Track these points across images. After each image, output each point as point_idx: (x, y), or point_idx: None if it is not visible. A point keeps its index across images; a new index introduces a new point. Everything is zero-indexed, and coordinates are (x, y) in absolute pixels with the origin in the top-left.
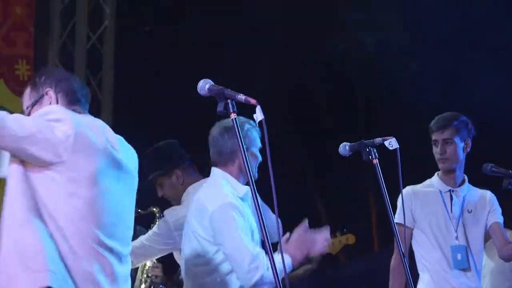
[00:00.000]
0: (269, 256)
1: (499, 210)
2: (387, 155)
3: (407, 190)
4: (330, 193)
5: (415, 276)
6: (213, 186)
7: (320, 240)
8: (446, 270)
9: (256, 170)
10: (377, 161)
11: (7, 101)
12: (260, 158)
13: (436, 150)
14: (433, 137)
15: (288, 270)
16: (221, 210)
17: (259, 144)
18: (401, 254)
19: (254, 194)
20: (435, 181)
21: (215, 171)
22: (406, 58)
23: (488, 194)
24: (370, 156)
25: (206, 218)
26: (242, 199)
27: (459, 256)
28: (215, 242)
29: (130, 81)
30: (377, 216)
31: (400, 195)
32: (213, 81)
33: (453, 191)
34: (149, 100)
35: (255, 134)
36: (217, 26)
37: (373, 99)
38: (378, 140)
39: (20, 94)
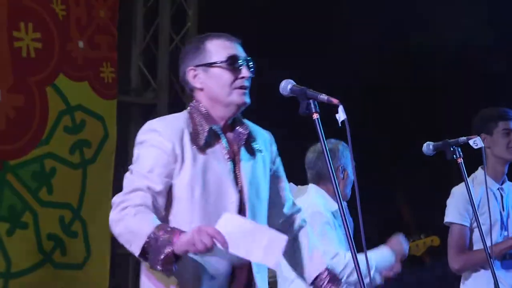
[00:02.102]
0: (354, 261)
1: None
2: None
3: (459, 189)
4: (415, 194)
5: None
6: (308, 197)
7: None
8: (497, 268)
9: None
10: (462, 160)
11: (92, 103)
12: (351, 178)
13: (508, 139)
14: (504, 126)
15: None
16: (311, 217)
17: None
18: (488, 254)
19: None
20: (485, 178)
21: (311, 186)
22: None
23: None
24: (454, 155)
25: None
26: (333, 215)
27: (507, 256)
28: None
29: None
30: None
31: (457, 193)
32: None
33: (501, 188)
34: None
35: (348, 154)
36: (294, 28)
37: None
38: (462, 139)
39: (104, 96)
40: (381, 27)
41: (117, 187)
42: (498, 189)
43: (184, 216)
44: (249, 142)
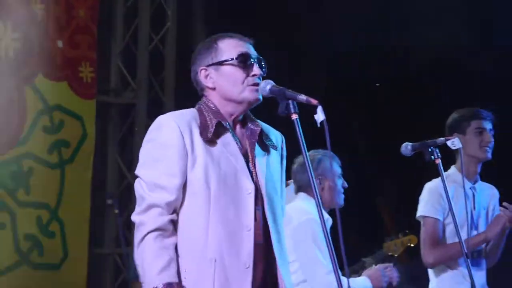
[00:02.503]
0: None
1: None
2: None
3: (432, 184)
4: (393, 193)
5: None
6: (300, 204)
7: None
8: (462, 265)
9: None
10: (440, 161)
11: (70, 103)
12: (339, 186)
13: (480, 138)
14: (476, 125)
15: None
16: (306, 223)
17: (337, 172)
18: (465, 254)
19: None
20: (456, 176)
21: (300, 194)
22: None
23: (495, 191)
24: (432, 156)
25: (289, 227)
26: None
27: (475, 255)
28: (294, 251)
29: (192, 82)
30: None
31: (430, 188)
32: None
33: (473, 188)
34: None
35: (328, 163)
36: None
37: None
38: (440, 139)
39: (83, 96)
40: (362, 26)
41: (95, 187)
42: (470, 188)
43: (199, 210)
44: (262, 139)
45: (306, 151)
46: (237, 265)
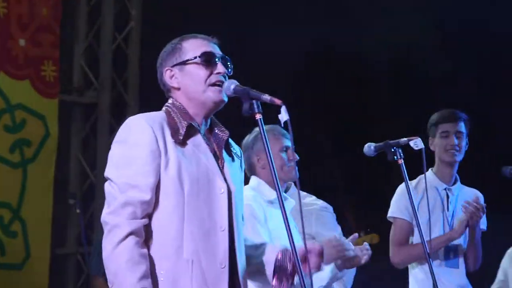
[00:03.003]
0: (296, 263)
1: (484, 215)
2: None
3: (403, 186)
4: (356, 191)
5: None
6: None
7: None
8: (437, 267)
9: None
10: (403, 162)
11: (33, 102)
12: (283, 161)
13: (446, 141)
14: (442, 128)
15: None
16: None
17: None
18: (427, 253)
19: (280, 198)
20: (431, 178)
21: (251, 178)
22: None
23: (479, 195)
24: (395, 157)
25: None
26: (271, 202)
27: (452, 255)
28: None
29: (156, 82)
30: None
31: (400, 190)
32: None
33: (449, 189)
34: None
35: (258, 142)
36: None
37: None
38: (403, 140)
39: (45, 95)
40: (329, 28)
41: (58, 186)
42: (444, 189)
43: (174, 210)
44: (228, 147)
45: (270, 150)
46: (214, 265)
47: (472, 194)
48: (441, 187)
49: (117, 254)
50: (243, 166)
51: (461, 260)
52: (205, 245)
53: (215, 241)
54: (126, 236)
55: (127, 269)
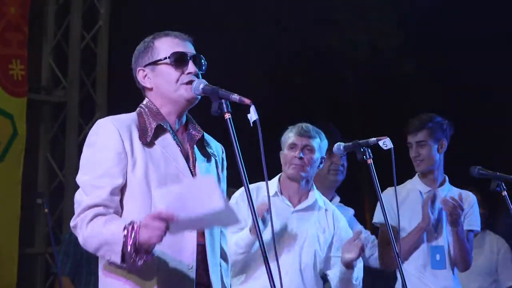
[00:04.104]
0: (263, 254)
1: (476, 215)
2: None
3: (388, 190)
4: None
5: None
6: None
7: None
8: (420, 270)
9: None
10: (372, 161)
11: (0, 101)
12: (287, 158)
13: (411, 152)
14: (408, 139)
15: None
16: None
17: (286, 143)
18: (396, 254)
19: (248, 193)
20: (415, 182)
21: None
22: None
23: (470, 196)
24: (364, 156)
25: None
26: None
27: (437, 257)
28: None
29: (124, 80)
30: (371, 216)
31: (387, 196)
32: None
33: (435, 191)
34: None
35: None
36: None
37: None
38: (372, 140)
39: (13, 94)
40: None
41: (26, 186)
42: (427, 192)
43: (140, 211)
44: (203, 145)
45: (239, 150)
46: (180, 266)
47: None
48: (425, 190)
49: (90, 231)
50: (225, 164)
51: (448, 261)
52: (172, 247)
53: (182, 242)
54: (92, 218)
55: (105, 229)
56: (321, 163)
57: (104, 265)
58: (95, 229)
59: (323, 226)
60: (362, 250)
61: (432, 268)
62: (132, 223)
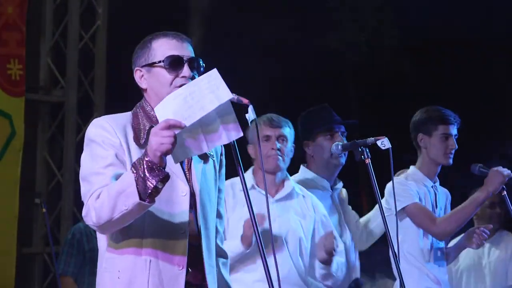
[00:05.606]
0: (259, 247)
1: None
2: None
3: (399, 179)
4: None
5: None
6: None
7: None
8: (422, 262)
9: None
10: (370, 161)
11: None
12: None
13: (446, 144)
14: (443, 130)
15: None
16: None
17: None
18: (393, 253)
19: (244, 186)
20: (418, 175)
21: None
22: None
23: (448, 194)
24: (362, 156)
25: None
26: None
27: (439, 252)
28: None
29: (122, 81)
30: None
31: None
32: None
33: (435, 186)
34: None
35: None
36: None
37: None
38: (370, 139)
39: (11, 93)
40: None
41: (24, 186)
42: (432, 186)
43: None
44: None
45: (237, 149)
46: (171, 267)
47: (444, 193)
48: (429, 184)
49: (100, 200)
50: (223, 165)
51: (444, 260)
52: (164, 247)
53: (174, 243)
54: (98, 195)
55: (112, 186)
56: (291, 151)
57: (101, 265)
58: (103, 195)
59: (304, 212)
60: (330, 254)
61: (434, 262)
62: (133, 162)
